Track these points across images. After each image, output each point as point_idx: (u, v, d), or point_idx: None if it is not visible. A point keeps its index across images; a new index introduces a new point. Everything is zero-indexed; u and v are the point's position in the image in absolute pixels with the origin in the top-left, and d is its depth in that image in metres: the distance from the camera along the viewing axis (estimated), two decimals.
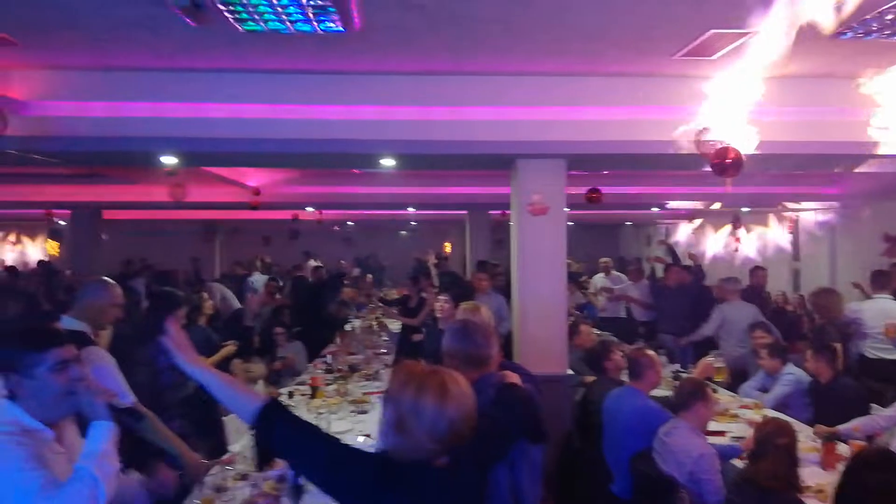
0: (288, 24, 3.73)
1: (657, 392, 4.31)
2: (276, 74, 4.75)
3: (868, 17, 3.64)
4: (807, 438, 3.96)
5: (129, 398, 3.05)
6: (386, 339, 8.45)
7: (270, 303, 8.95)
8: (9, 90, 4.60)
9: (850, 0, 3.37)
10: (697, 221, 14.27)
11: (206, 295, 5.97)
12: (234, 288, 10.31)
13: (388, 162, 6.02)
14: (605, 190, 8.13)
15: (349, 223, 17.18)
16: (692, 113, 4.81)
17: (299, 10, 3.55)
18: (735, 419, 4.65)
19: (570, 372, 5.41)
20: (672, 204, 10.97)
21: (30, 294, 8.26)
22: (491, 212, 11.90)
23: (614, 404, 3.81)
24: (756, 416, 4.61)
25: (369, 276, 13.59)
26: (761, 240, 12.10)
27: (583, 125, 4.86)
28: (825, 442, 3.78)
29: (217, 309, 7.50)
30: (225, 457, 3.89)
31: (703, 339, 6.87)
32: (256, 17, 3.62)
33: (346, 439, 4.07)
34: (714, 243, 13.29)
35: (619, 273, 9.88)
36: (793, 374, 5.00)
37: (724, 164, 4.51)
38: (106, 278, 3.43)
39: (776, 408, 4.82)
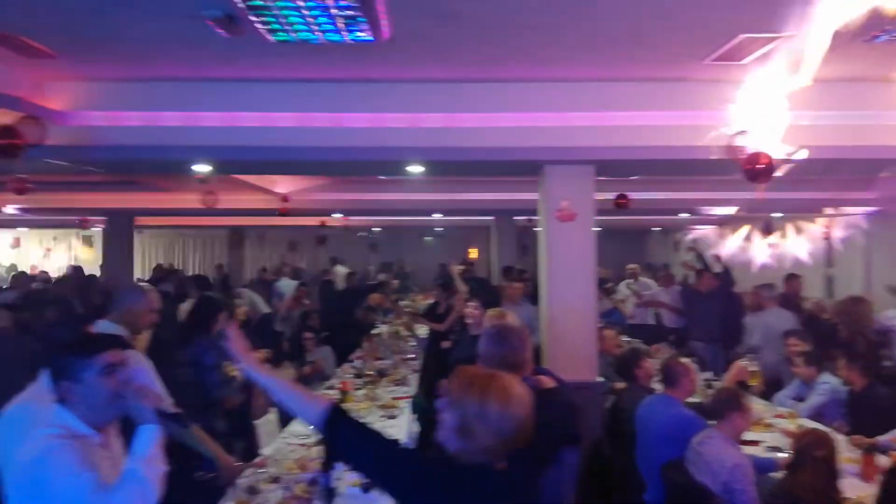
0: (318, 33, 3.78)
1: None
2: (305, 83, 4.82)
3: None
4: (844, 449, 3.88)
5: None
6: (413, 344, 8.47)
7: (297, 307, 9.04)
8: (48, 101, 4.73)
9: (884, 2, 3.31)
10: (727, 227, 14.06)
11: (238, 301, 6.05)
12: (262, 293, 10.45)
13: (416, 168, 6.06)
14: (632, 195, 8.06)
15: (375, 229, 17.30)
16: (723, 118, 4.75)
17: (329, 20, 3.60)
18: (769, 429, 4.57)
19: (600, 379, 5.38)
20: (701, 209, 10.84)
21: (65, 299, 8.47)
22: (516, 218, 11.89)
23: (648, 412, 3.78)
24: (791, 425, 4.53)
25: (395, 281, 13.67)
26: (794, 246, 11.87)
27: (611, 131, 4.84)
28: (864, 453, 3.70)
29: (248, 314, 7.60)
30: (257, 460, 3.95)
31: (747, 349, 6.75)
32: (287, 27, 3.68)
33: None
34: (744, 249, 13.07)
35: (646, 279, 9.79)
36: (829, 383, 4.90)
37: (756, 169, 4.45)
38: (143, 284, 3.51)
39: (812, 417, 4.73)
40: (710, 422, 3.55)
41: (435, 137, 4.86)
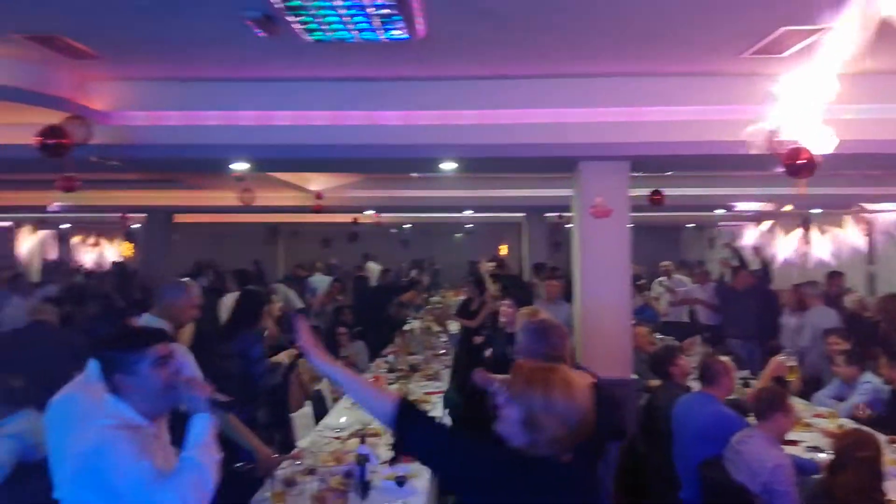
0: (353, 32, 3.82)
1: None
2: (340, 82, 4.87)
3: None
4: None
5: None
6: (445, 340, 8.51)
7: (331, 303, 9.15)
8: (92, 101, 4.87)
9: None
10: (765, 223, 13.80)
11: (274, 296, 6.15)
12: (295, 289, 10.59)
13: (449, 166, 6.08)
14: (667, 191, 7.96)
15: (406, 226, 17.37)
16: (762, 112, 4.66)
17: (365, 19, 3.63)
18: (809, 428, 4.49)
19: (634, 376, 5.34)
20: (738, 206, 10.65)
21: (106, 294, 8.72)
22: (547, 214, 11.83)
23: (685, 410, 3.74)
24: (831, 425, 4.44)
25: (426, 278, 13.73)
26: (834, 242, 11.60)
27: (647, 126, 4.80)
28: None
29: (282, 309, 7.72)
30: (294, 452, 4.02)
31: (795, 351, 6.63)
32: (324, 26, 3.72)
33: None
34: (783, 246, 12.81)
35: (680, 276, 9.66)
36: (871, 383, 4.79)
37: (797, 165, 4.35)
38: (185, 279, 3.60)
39: (853, 417, 4.63)
40: (749, 420, 3.51)
41: (469, 134, 4.87)
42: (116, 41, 4.11)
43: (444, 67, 4.61)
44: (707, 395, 3.74)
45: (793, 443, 4.10)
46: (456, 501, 4.32)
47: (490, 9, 3.54)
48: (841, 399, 4.96)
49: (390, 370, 6.49)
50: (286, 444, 4.23)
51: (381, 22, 3.66)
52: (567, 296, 6.26)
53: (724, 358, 4.02)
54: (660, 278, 9.80)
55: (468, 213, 12.73)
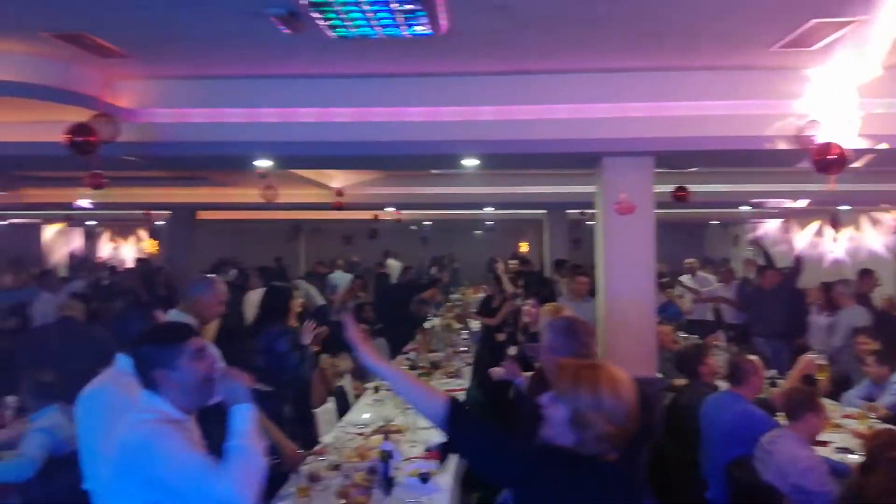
0: (377, 28, 3.81)
1: None
2: (363, 79, 4.87)
3: None
4: None
5: None
6: (466, 337, 8.51)
7: (352, 299, 9.19)
8: (119, 99, 4.93)
9: None
10: (791, 221, 13.57)
11: (296, 292, 6.18)
12: (316, 286, 10.66)
13: (472, 162, 6.05)
14: (691, 188, 7.87)
15: (426, 223, 17.38)
16: (790, 107, 4.59)
17: (389, 15, 3.62)
18: (838, 429, 4.41)
19: (659, 375, 5.28)
20: (763, 202, 10.50)
21: (132, 290, 8.85)
22: (569, 211, 11.77)
23: (713, 409, 3.69)
24: (861, 426, 4.36)
25: (446, 275, 13.74)
26: (862, 240, 11.37)
27: (673, 121, 4.73)
28: None
29: (304, 305, 7.76)
30: (317, 447, 4.04)
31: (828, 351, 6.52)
32: (348, 22, 3.72)
33: (432, 435, 4.18)
34: (810, 243, 12.59)
35: (705, 274, 9.54)
36: None
37: (827, 160, 4.28)
38: (211, 276, 3.63)
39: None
40: (778, 420, 3.45)
41: (492, 130, 4.84)
42: (143, 39, 4.14)
43: (467, 63, 4.59)
44: (735, 395, 3.69)
45: (823, 444, 4.03)
46: (480, 498, 4.33)
47: (512, 3, 3.51)
48: (870, 399, 4.87)
49: (412, 367, 6.51)
50: (309, 440, 4.26)
51: (405, 18, 3.65)
52: (591, 293, 6.21)
53: (752, 357, 3.95)
54: (684, 276, 9.69)
55: (489, 209, 12.70)
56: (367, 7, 3.50)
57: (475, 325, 8.55)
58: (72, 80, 4.51)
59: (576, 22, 3.80)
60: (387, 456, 3.39)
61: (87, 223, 16.28)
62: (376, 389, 5.48)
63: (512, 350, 5.18)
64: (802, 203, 10.34)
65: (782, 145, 4.60)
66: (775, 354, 6.83)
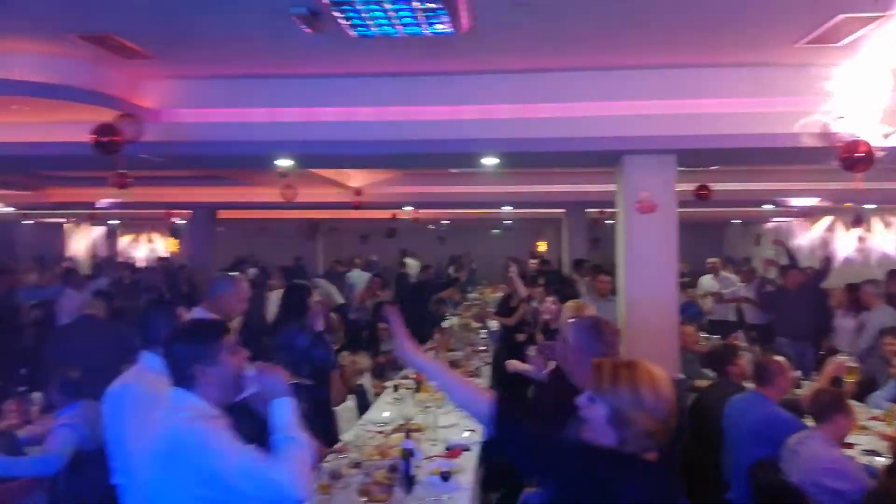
0: (398, 27, 3.82)
1: None
2: (383, 77, 4.88)
3: None
4: None
5: None
6: (484, 336, 8.49)
7: (370, 298, 9.23)
8: (143, 100, 4.99)
9: None
10: (815, 219, 13.39)
11: (315, 291, 6.21)
12: (334, 284, 10.71)
13: (492, 161, 6.03)
14: (714, 186, 7.79)
15: (443, 222, 17.40)
16: (816, 103, 4.52)
17: (410, 14, 3.63)
18: (865, 431, 4.33)
19: (681, 376, 5.23)
20: (786, 201, 10.36)
21: (155, 288, 8.96)
22: (588, 210, 11.71)
23: (738, 410, 3.65)
24: (888, 428, 4.28)
25: (463, 274, 13.72)
26: (888, 239, 11.18)
27: (695, 119, 4.68)
28: None
29: (324, 304, 7.81)
30: (338, 445, 4.05)
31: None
32: (369, 22, 3.73)
33: (453, 434, 4.17)
34: (834, 243, 12.41)
35: (728, 274, 9.43)
36: None
37: (854, 158, 4.21)
38: (234, 274, 3.66)
39: None
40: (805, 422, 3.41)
41: (513, 128, 4.83)
42: (166, 40, 4.19)
43: (487, 61, 4.58)
44: (761, 396, 3.64)
45: (849, 446, 3.97)
46: (500, 498, 4.31)
47: (534, 0, 3.49)
48: None
49: None
50: (330, 438, 4.27)
51: (426, 16, 3.66)
52: (613, 292, 6.17)
53: (779, 358, 3.90)
54: (707, 275, 9.58)
55: (507, 208, 12.67)
56: (388, 6, 3.51)
57: (493, 324, 8.53)
58: (97, 80, 4.57)
59: (597, 19, 3.78)
60: (408, 454, 3.39)
61: (110, 222, 16.50)
62: (396, 388, 5.49)
63: (532, 350, 5.15)
64: (826, 201, 10.20)
65: (808, 143, 4.53)
66: (799, 356, 6.73)
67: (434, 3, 3.46)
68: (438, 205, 12.50)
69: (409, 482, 3.33)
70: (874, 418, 4.62)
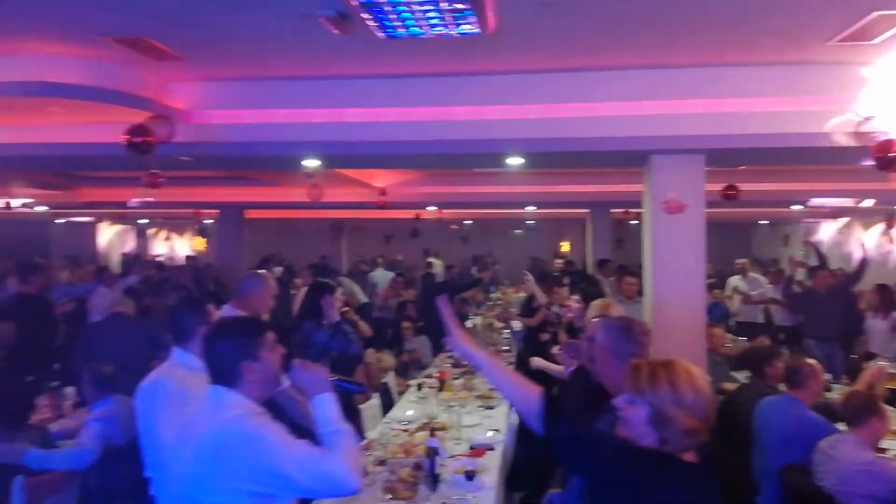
0: (425, 28, 3.83)
1: None
2: (410, 78, 4.90)
3: None
4: None
5: None
6: (507, 336, 8.48)
7: (394, 297, 9.28)
8: (174, 101, 5.08)
9: None
10: (846, 220, 13.11)
11: (339, 288, 6.27)
12: (359, 283, 10.79)
13: (518, 161, 6.01)
14: (742, 186, 7.68)
15: (466, 222, 17.40)
16: (850, 102, 4.44)
17: (437, 14, 3.64)
18: None
19: (708, 378, 5.17)
20: (817, 201, 10.17)
21: (184, 286, 9.10)
22: (613, 210, 11.62)
23: (768, 413, 3.59)
24: None
25: (487, 274, 13.72)
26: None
27: (725, 118, 4.63)
28: None
29: (347, 302, 7.87)
30: (363, 443, 4.08)
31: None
32: (398, 23, 3.75)
33: (476, 433, 4.18)
34: (864, 243, 12.15)
35: (756, 275, 9.28)
36: None
37: (888, 157, 4.13)
38: (262, 272, 3.71)
39: None
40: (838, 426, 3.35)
41: (540, 129, 4.82)
42: (197, 42, 4.25)
43: (514, 61, 4.58)
44: (793, 399, 3.58)
45: (882, 451, 3.88)
46: (524, 498, 4.31)
47: (560, 0, 3.48)
48: None
49: (455, 365, 6.51)
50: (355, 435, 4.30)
51: (453, 17, 3.66)
52: (639, 293, 6.11)
53: (811, 360, 3.84)
54: (735, 276, 9.45)
55: (531, 208, 12.63)
56: (416, 7, 3.52)
57: (517, 324, 8.52)
58: (130, 82, 4.66)
59: (625, 17, 3.75)
60: (433, 452, 3.40)
61: (139, 222, 16.79)
62: (419, 387, 5.51)
63: (555, 349, 5.14)
64: (858, 202, 9.99)
65: (840, 142, 4.45)
66: (828, 358, 6.61)
67: (461, 3, 3.46)
68: (462, 205, 12.51)
69: (434, 480, 3.34)
70: None
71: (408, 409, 4.97)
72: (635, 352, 2.32)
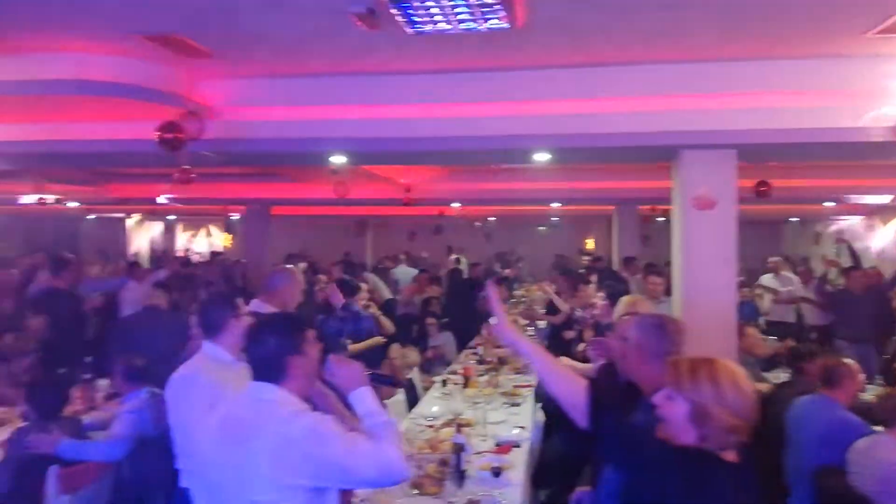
0: (454, 23, 3.82)
1: None
2: (438, 74, 4.88)
3: None
4: None
5: None
6: (532, 333, 8.44)
7: (418, 293, 9.29)
8: (204, 98, 5.13)
9: None
10: (882, 218, 12.80)
11: (364, 284, 6.30)
12: (383, 279, 10.82)
13: (547, 156, 5.96)
14: (774, 182, 7.53)
15: (490, 218, 17.34)
16: (886, 96, 4.33)
17: (466, 9, 3.62)
18: None
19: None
20: (850, 198, 9.95)
21: (212, 282, 9.22)
22: (640, 207, 11.49)
23: (803, 413, 3.52)
24: None
25: (508, 271, 13.71)
26: None
27: (758, 113, 4.54)
28: None
29: (372, 297, 7.91)
30: None
31: None
32: (426, 18, 3.74)
33: (501, 430, 4.17)
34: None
35: (788, 273, 9.10)
36: None
37: None
38: (290, 266, 3.74)
39: None
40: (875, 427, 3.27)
41: (569, 124, 4.78)
42: (228, 39, 4.29)
43: (542, 56, 4.54)
44: (829, 399, 3.50)
45: None
46: (549, 496, 4.29)
47: None
48: None
49: (479, 362, 6.50)
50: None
51: (482, 12, 3.65)
52: (667, 292, 6.03)
53: (848, 360, 3.76)
54: (766, 275, 9.28)
55: (556, 205, 12.55)
56: (445, 2, 3.51)
57: (541, 321, 8.48)
58: (162, 79, 4.72)
59: (655, 10, 3.70)
60: (459, 448, 3.40)
61: (167, 217, 17.05)
62: (444, 383, 5.51)
63: (581, 347, 5.10)
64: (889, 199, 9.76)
65: (877, 137, 4.34)
66: (861, 359, 6.46)
67: None
68: (488, 201, 12.46)
69: (461, 476, 3.35)
70: None
71: (433, 405, 4.98)
72: (670, 349, 2.28)
